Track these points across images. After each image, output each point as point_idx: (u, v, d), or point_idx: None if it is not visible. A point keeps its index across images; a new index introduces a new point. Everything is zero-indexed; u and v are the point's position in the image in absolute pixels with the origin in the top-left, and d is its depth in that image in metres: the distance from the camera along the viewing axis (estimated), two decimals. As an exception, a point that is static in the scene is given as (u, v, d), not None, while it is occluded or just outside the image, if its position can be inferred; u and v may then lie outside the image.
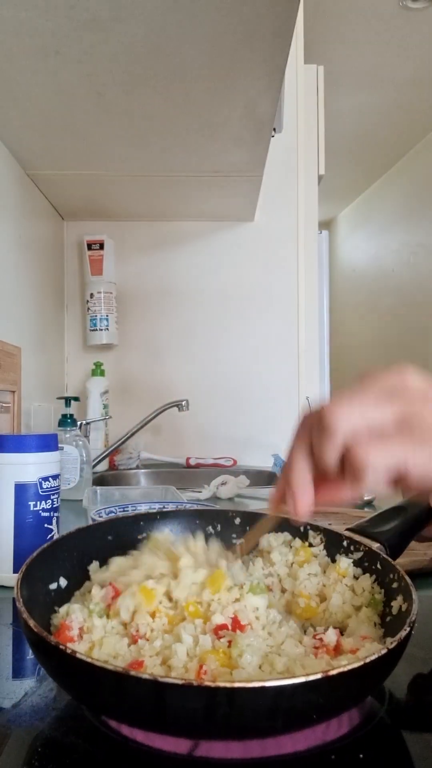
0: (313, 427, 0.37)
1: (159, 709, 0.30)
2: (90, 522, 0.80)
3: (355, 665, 0.30)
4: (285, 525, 0.52)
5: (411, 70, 2.39)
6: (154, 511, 0.54)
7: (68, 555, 0.47)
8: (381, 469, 0.34)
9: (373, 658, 0.31)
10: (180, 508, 0.57)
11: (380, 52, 2.26)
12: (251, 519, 0.53)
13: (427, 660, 0.45)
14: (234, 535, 0.54)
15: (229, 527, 0.54)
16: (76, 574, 0.47)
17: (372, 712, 0.37)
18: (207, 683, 0.29)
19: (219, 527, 0.53)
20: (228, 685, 0.29)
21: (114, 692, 0.31)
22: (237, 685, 0.29)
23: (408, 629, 0.34)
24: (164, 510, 0.54)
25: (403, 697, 0.40)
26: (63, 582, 0.45)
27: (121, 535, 0.51)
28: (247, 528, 0.53)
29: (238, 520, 0.54)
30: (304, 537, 0.51)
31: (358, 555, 0.47)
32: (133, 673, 0.29)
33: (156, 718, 0.30)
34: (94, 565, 0.48)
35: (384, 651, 0.32)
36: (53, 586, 0.45)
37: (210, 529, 0.54)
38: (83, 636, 0.39)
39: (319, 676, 0.29)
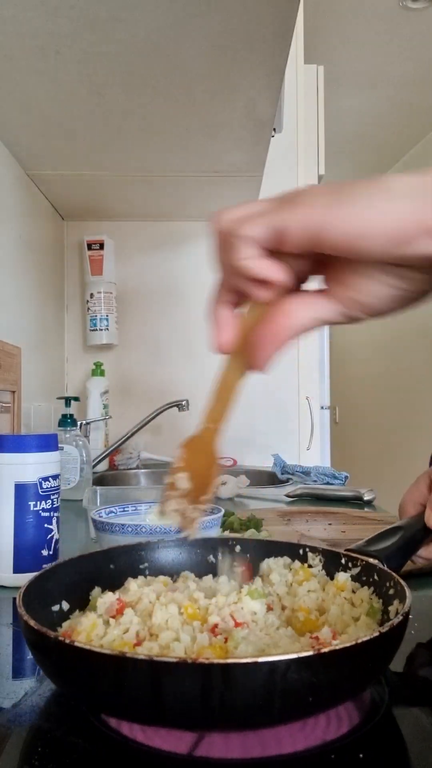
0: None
1: (155, 693, 0.30)
2: (90, 522, 0.80)
3: (347, 644, 0.31)
4: (284, 549, 0.53)
5: (411, 70, 2.39)
6: (155, 540, 0.55)
7: (70, 579, 0.47)
8: (255, 234, 0.32)
9: (365, 639, 0.31)
10: (181, 537, 0.57)
11: (380, 52, 2.26)
12: (251, 546, 0.54)
13: (428, 659, 0.45)
14: (235, 564, 0.54)
15: (230, 555, 0.54)
16: (77, 599, 0.47)
17: (372, 711, 0.37)
18: (201, 660, 0.29)
19: (220, 556, 0.54)
20: (221, 661, 0.30)
21: (111, 679, 0.31)
22: (230, 661, 0.30)
23: (401, 617, 0.35)
24: (165, 540, 0.55)
25: (403, 696, 0.40)
26: (65, 606, 0.45)
27: (123, 564, 0.51)
28: (248, 555, 0.53)
29: (238, 548, 0.54)
30: (303, 559, 0.51)
31: (356, 570, 0.47)
32: (129, 654, 0.30)
33: (153, 702, 0.30)
34: (96, 591, 0.48)
35: (376, 633, 0.32)
36: (56, 608, 0.45)
37: (211, 558, 0.54)
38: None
39: (311, 652, 0.30)
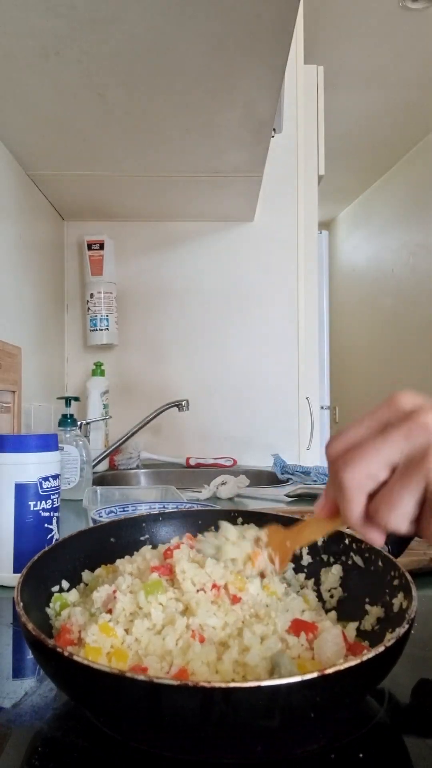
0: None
1: (155, 712, 0.29)
2: (90, 522, 0.80)
3: (352, 663, 0.30)
4: (287, 523, 0.52)
5: (411, 71, 2.39)
6: (156, 512, 0.54)
7: (70, 557, 0.47)
8: (408, 510, 0.34)
9: (370, 656, 0.31)
10: (182, 509, 0.57)
11: (380, 52, 2.26)
12: (253, 519, 0.53)
13: (427, 659, 0.45)
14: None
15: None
16: (78, 576, 0.47)
17: (371, 711, 0.37)
18: (202, 684, 0.29)
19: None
20: (223, 685, 0.29)
21: (111, 695, 0.31)
22: (232, 685, 0.29)
23: (407, 626, 0.34)
24: (166, 511, 0.54)
25: (402, 696, 0.40)
26: (65, 584, 0.45)
27: (124, 537, 0.51)
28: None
29: (240, 520, 0.54)
30: None
31: (359, 552, 0.47)
32: (128, 674, 0.29)
33: (153, 720, 0.30)
34: (86, 574, 0.48)
35: (382, 649, 0.31)
36: (55, 588, 0.45)
37: (213, 529, 0.53)
38: (83, 644, 0.39)
39: (315, 675, 0.29)
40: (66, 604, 0.43)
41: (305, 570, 0.50)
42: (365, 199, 3.82)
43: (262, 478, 1.56)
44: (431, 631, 0.49)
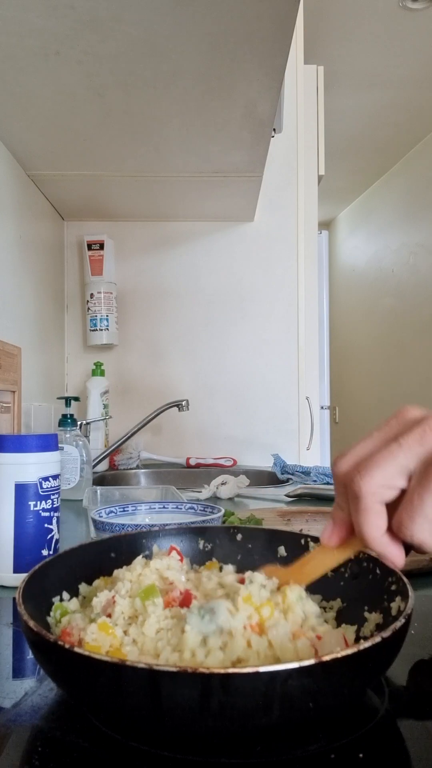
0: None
1: (155, 702, 0.30)
2: (90, 522, 0.80)
3: (349, 652, 0.30)
4: (286, 538, 0.52)
5: (411, 71, 2.39)
6: (157, 528, 0.54)
7: (71, 570, 0.47)
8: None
9: (367, 645, 0.31)
10: (182, 525, 0.57)
11: (380, 52, 2.26)
12: (252, 535, 0.53)
13: (428, 659, 0.45)
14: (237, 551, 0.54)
15: (231, 544, 0.54)
16: (77, 590, 0.47)
17: (371, 711, 0.37)
18: (201, 669, 0.29)
19: (219, 544, 0.53)
20: (222, 670, 0.29)
21: (111, 686, 0.31)
22: (231, 670, 0.29)
23: (404, 620, 0.34)
24: (166, 527, 0.55)
25: (402, 697, 0.40)
26: (66, 596, 0.45)
27: (124, 552, 0.51)
28: (249, 546, 0.53)
29: (239, 537, 0.54)
30: (305, 549, 0.51)
31: (357, 561, 0.47)
32: (128, 662, 0.30)
33: (152, 711, 0.30)
34: (83, 587, 0.48)
35: (378, 639, 0.32)
36: (56, 599, 0.45)
37: (217, 541, 0.54)
38: (83, 645, 0.39)
39: (313, 661, 0.29)
40: (66, 612, 0.43)
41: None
42: (365, 199, 3.82)
43: (262, 478, 1.56)
44: (431, 630, 0.50)
